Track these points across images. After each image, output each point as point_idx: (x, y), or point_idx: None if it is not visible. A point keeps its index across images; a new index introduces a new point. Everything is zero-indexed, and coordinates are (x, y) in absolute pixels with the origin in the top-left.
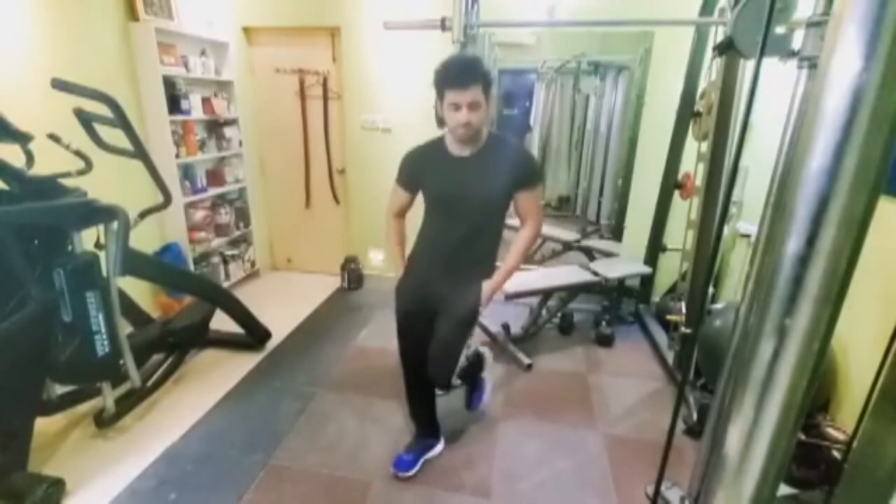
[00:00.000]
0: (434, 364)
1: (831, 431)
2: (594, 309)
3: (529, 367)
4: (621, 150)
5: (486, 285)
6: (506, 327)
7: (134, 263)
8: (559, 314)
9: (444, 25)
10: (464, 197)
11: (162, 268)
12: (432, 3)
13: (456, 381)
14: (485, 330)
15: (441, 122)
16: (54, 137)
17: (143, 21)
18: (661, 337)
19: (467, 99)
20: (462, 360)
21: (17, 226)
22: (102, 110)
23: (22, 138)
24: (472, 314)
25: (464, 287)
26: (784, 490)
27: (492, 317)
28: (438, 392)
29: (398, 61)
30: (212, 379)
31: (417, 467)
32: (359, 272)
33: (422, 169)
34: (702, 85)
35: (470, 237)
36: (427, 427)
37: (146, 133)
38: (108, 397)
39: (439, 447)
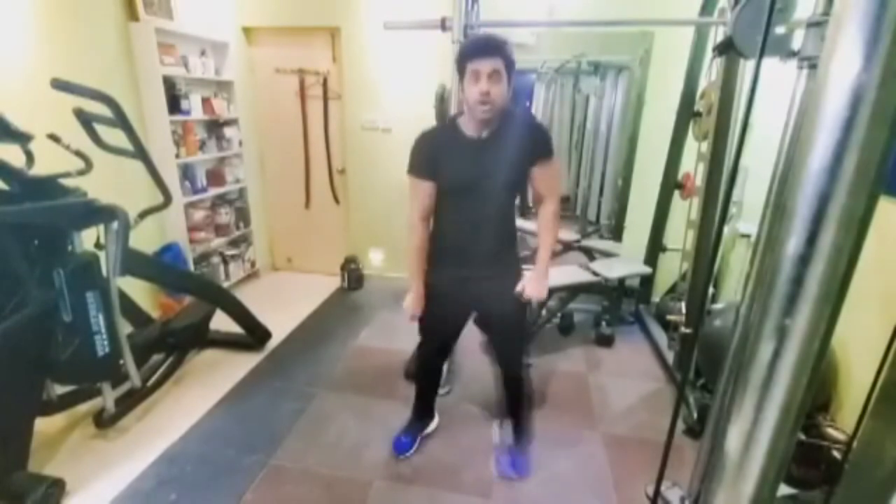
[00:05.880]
0: (507, 354)
1: (831, 431)
2: (594, 309)
3: (529, 367)
4: (621, 150)
5: (532, 278)
6: None
7: (134, 263)
8: (559, 314)
9: (444, 25)
10: (485, 180)
11: (162, 268)
12: (432, 3)
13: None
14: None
15: (443, 118)
16: (54, 137)
17: (142, 21)
18: (661, 337)
19: (488, 67)
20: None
21: (17, 226)
22: (102, 110)
23: (22, 138)
24: (521, 299)
25: (501, 274)
26: (784, 490)
27: None
28: (442, 391)
29: (398, 61)
30: (212, 379)
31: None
32: (359, 272)
33: (437, 154)
34: (702, 85)
35: (495, 220)
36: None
37: (146, 133)
38: (108, 397)
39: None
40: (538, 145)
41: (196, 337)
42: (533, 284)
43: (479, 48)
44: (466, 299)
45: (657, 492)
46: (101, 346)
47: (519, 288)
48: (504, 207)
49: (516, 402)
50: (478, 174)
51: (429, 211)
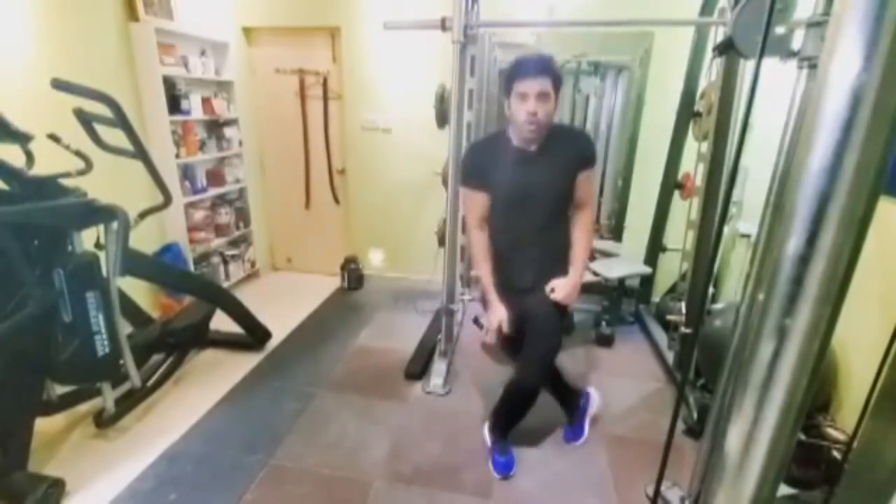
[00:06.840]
0: (531, 362)
1: (831, 431)
2: (594, 309)
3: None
4: (621, 150)
5: (565, 282)
6: None
7: (134, 263)
8: None
9: (444, 25)
10: (535, 193)
11: (162, 268)
12: (432, 3)
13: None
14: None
15: (443, 121)
16: (54, 137)
17: (143, 21)
18: (661, 337)
19: (536, 88)
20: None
21: (17, 226)
22: (102, 110)
23: (22, 138)
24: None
25: (543, 286)
26: (784, 490)
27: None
28: (442, 391)
29: (398, 61)
30: (212, 379)
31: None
32: (359, 272)
33: (488, 164)
34: (702, 85)
35: (544, 233)
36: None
37: (146, 133)
38: (108, 397)
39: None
40: (586, 153)
41: (196, 337)
42: (566, 289)
43: (527, 69)
44: (516, 310)
45: (657, 492)
46: (101, 346)
47: (549, 287)
48: (554, 220)
49: (513, 417)
50: (527, 187)
51: (483, 219)
